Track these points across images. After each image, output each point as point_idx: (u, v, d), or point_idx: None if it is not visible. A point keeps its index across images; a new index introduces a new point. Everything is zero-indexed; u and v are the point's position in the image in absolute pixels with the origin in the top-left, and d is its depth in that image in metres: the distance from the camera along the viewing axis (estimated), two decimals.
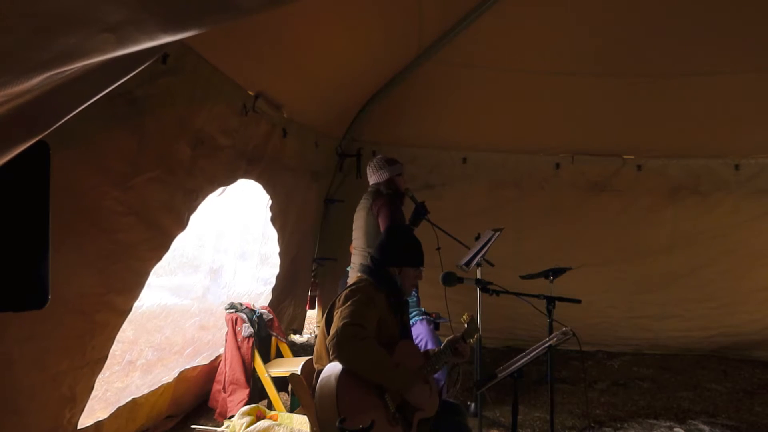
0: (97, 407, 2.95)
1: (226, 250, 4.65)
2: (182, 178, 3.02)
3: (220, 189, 3.58)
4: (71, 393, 2.51)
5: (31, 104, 1.10)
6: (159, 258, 2.96)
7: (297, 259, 5.18)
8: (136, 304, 2.90)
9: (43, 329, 2.26)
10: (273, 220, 4.59)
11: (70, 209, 2.27)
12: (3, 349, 2.12)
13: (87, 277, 2.47)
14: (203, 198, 3.30)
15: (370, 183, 3.91)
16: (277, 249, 4.79)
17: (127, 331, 3.15)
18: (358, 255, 3.80)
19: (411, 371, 2.39)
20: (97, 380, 2.71)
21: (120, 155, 2.55)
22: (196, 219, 3.27)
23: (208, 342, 4.14)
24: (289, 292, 5.18)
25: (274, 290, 4.82)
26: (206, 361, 3.97)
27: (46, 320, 2.23)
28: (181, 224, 3.10)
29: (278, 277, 4.83)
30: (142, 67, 1.31)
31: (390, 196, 3.69)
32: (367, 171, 3.96)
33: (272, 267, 4.91)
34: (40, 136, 1.23)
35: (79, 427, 2.68)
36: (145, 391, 3.29)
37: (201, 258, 4.28)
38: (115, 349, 2.87)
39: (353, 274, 3.81)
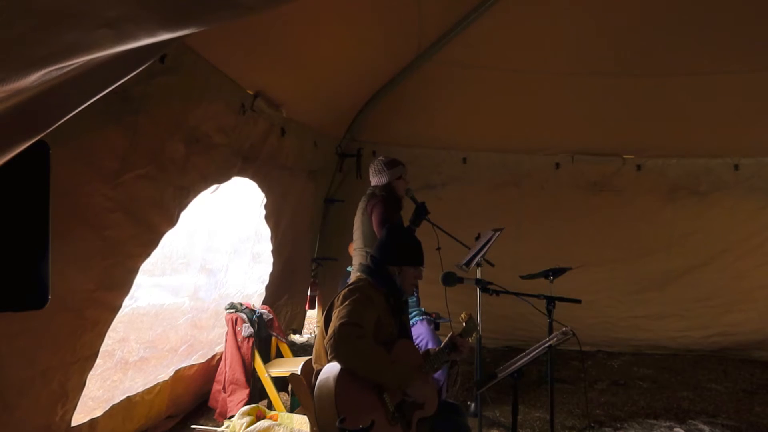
0: (92, 405, 2.94)
1: (218, 247, 4.63)
2: (173, 176, 3.02)
3: (214, 186, 3.58)
4: (62, 389, 2.51)
5: (30, 102, 1.09)
6: (148, 254, 2.95)
7: (293, 259, 5.16)
8: (128, 302, 2.90)
9: (32, 325, 2.26)
10: (267, 218, 4.57)
11: (58, 205, 2.23)
12: None
13: (76, 274, 2.47)
14: (195, 195, 3.29)
15: (371, 184, 3.93)
16: (270, 247, 4.78)
17: (118, 328, 3.15)
18: (357, 255, 3.84)
19: (409, 368, 2.39)
20: (89, 377, 2.70)
21: (110, 152, 2.54)
22: (188, 216, 3.26)
23: (203, 340, 4.13)
24: (285, 290, 5.16)
25: (267, 288, 4.80)
26: (202, 360, 3.96)
27: (36, 316, 2.22)
28: (171, 221, 3.09)
29: (272, 275, 4.82)
30: (144, 66, 1.31)
31: (384, 197, 3.71)
32: (369, 172, 3.98)
33: (265, 265, 4.89)
34: (40, 136, 1.22)
35: (73, 425, 2.67)
36: (140, 389, 3.28)
37: (192, 255, 4.27)
38: (107, 346, 2.86)
39: (353, 275, 3.83)
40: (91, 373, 2.71)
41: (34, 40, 0.94)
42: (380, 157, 3.96)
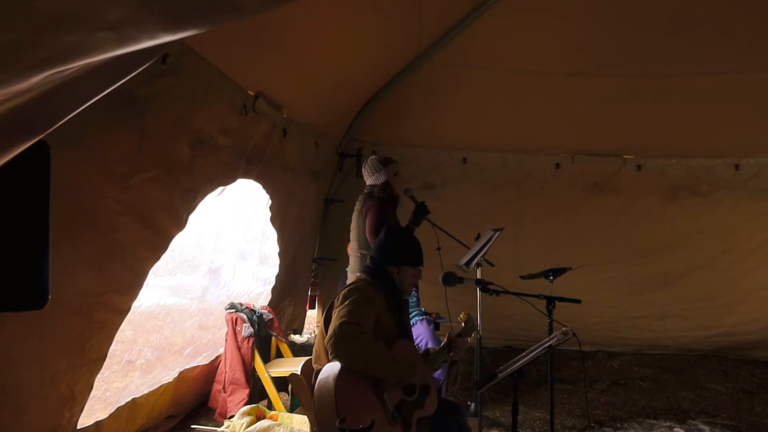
0: (97, 407, 2.95)
1: (225, 249, 4.64)
2: (181, 178, 3.02)
3: (220, 188, 3.58)
4: (70, 392, 2.51)
5: (30, 104, 1.10)
6: (157, 258, 2.95)
7: (296, 259, 5.18)
8: (135, 304, 2.90)
9: (41, 328, 2.26)
10: (272, 219, 4.58)
11: (68, 209, 2.27)
12: (1, 348, 2.12)
13: (85, 277, 2.47)
14: (202, 198, 3.30)
15: (367, 184, 3.88)
16: (276, 249, 4.79)
17: (126, 330, 3.15)
18: (352, 257, 3.83)
19: (410, 362, 2.40)
20: (96, 380, 2.71)
21: (119, 155, 2.55)
22: (195, 219, 3.26)
23: (208, 342, 4.14)
24: (289, 292, 5.18)
25: (273, 290, 4.82)
26: (206, 361, 3.97)
27: (45, 319, 2.23)
28: (180, 224, 3.09)
29: (278, 277, 4.83)
30: (143, 67, 1.31)
31: (381, 199, 3.67)
32: (363, 172, 3.91)
33: (272, 267, 4.91)
34: (40, 136, 1.23)
35: (78, 427, 2.68)
36: (145, 391, 3.29)
37: (200, 258, 4.28)
38: (115, 348, 2.87)
39: (351, 276, 3.83)
40: (98, 375, 2.72)
41: (36, 42, 0.94)
42: (373, 156, 3.92)
